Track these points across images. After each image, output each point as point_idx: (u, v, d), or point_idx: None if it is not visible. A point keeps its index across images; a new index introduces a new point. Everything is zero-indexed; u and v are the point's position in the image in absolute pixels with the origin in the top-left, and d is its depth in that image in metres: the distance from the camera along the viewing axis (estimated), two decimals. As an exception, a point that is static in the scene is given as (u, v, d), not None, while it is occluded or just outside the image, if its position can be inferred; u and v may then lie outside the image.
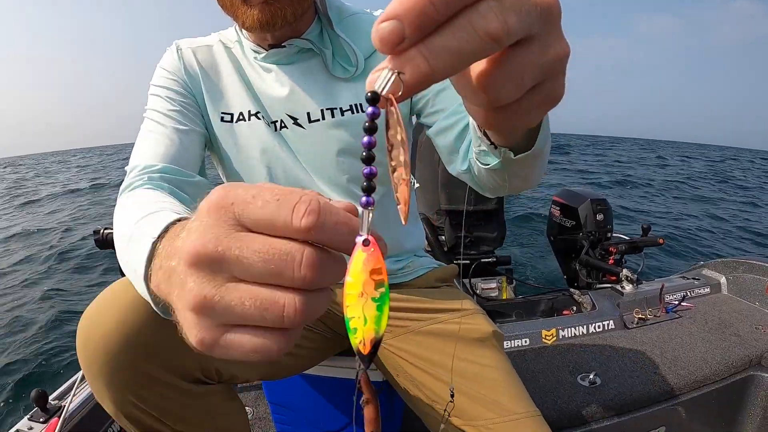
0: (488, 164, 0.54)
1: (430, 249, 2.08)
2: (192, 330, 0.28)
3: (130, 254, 0.41)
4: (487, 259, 2.17)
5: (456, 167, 0.72)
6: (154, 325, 0.55)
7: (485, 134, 0.45)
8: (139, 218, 0.44)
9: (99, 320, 0.55)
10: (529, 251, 5.12)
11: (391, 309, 0.84)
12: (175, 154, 0.70)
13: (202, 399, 0.64)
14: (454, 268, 1.00)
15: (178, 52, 0.80)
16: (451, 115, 0.71)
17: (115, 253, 1.22)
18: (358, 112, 0.77)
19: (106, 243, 1.23)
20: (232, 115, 0.79)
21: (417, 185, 2.22)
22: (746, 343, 1.45)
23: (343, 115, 0.77)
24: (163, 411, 0.60)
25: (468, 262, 2.13)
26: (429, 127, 0.78)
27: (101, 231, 1.23)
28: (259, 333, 0.27)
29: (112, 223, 1.23)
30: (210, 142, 0.82)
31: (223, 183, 0.83)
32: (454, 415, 0.74)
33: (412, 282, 0.92)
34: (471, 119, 0.48)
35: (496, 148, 0.46)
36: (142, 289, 0.38)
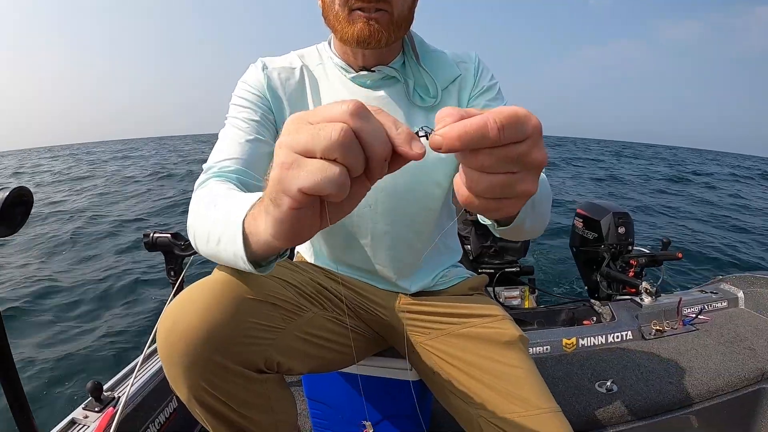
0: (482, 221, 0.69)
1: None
2: (277, 158, 0.37)
3: (219, 224, 0.56)
4: (510, 269, 2.24)
5: None
6: (231, 323, 0.65)
7: None
8: (225, 206, 0.57)
9: (182, 315, 0.63)
10: (552, 262, 5.13)
11: (430, 313, 0.93)
12: (248, 159, 0.77)
13: (262, 385, 0.72)
14: (485, 278, 1.09)
15: (263, 70, 0.86)
16: None
17: (163, 254, 1.33)
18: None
19: (155, 245, 1.33)
20: None
21: None
22: (760, 357, 1.50)
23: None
24: (230, 395, 0.68)
25: (492, 271, 2.21)
26: None
27: (151, 234, 1.34)
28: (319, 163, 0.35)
29: (160, 228, 1.34)
30: None
31: None
32: (484, 409, 0.81)
33: (448, 290, 1.01)
34: None
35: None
36: (234, 234, 0.52)
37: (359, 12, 0.74)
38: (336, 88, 0.87)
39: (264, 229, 0.45)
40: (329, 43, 0.91)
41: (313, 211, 0.39)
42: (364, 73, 0.85)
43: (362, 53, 0.83)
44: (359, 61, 0.85)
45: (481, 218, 0.70)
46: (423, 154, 0.36)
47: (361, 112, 0.35)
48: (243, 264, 0.53)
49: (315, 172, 0.35)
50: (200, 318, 0.63)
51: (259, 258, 0.54)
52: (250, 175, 0.75)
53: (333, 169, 0.34)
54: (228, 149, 0.78)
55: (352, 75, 0.86)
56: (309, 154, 0.35)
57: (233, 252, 0.53)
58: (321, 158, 0.35)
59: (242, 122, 0.81)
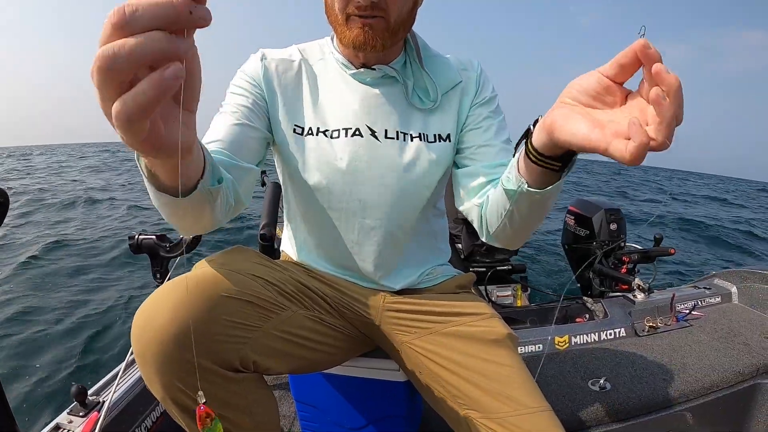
0: (507, 188, 0.67)
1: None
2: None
3: None
4: (502, 267, 2.23)
5: (471, 201, 0.85)
6: (203, 321, 0.65)
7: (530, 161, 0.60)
8: None
9: (154, 314, 0.63)
10: (544, 259, 5.13)
11: (416, 312, 0.92)
12: (233, 141, 0.77)
13: (239, 385, 0.72)
14: (472, 276, 1.08)
15: (262, 60, 0.88)
16: (484, 168, 0.84)
17: (147, 257, 1.31)
18: (423, 140, 0.87)
19: (140, 248, 1.31)
20: (303, 128, 0.86)
21: None
22: (754, 352, 1.50)
23: (412, 140, 0.87)
24: (205, 395, 0.68)
25: (484, 269, 2.19)
26: (458, 166, 0.90)
27: (136, 237, 1.32)
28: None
29: (146, 230, 1.32)
30: (276, 145, 0.89)
31: (280, 180, 0.94)
32: (472, 409, 0.79)
33: (433, 287, 0.99)
34: (521, 155, 0.63)
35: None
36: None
37: (356, 18, 0.76)
38: (335, 83, 0.89)
39: (146, 160, 0.47)
40: (332, 39, 0.92)
41: (162, 106, 0.38)
42: (364, 70, 0.86)
43: (362, 53, 0.84)
44: (360, 59, 0.86)
45: (508, 182, 0.68)
46: None
47: (119, 19, 0.32)
48: (160, 196, 0.54)
49: (122, 106, 0.34)
50: (172, 316, 0.62)
51: (185, 187, 0.54)
52: (233, 158, 0.75)
53: (140, 88, 0.34)
54: (215, 133, 0.78)
55: (352, 72, 0.87)
56: (113, 96, 0.35)
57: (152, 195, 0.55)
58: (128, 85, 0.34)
59: (233, 107, 0.83)
